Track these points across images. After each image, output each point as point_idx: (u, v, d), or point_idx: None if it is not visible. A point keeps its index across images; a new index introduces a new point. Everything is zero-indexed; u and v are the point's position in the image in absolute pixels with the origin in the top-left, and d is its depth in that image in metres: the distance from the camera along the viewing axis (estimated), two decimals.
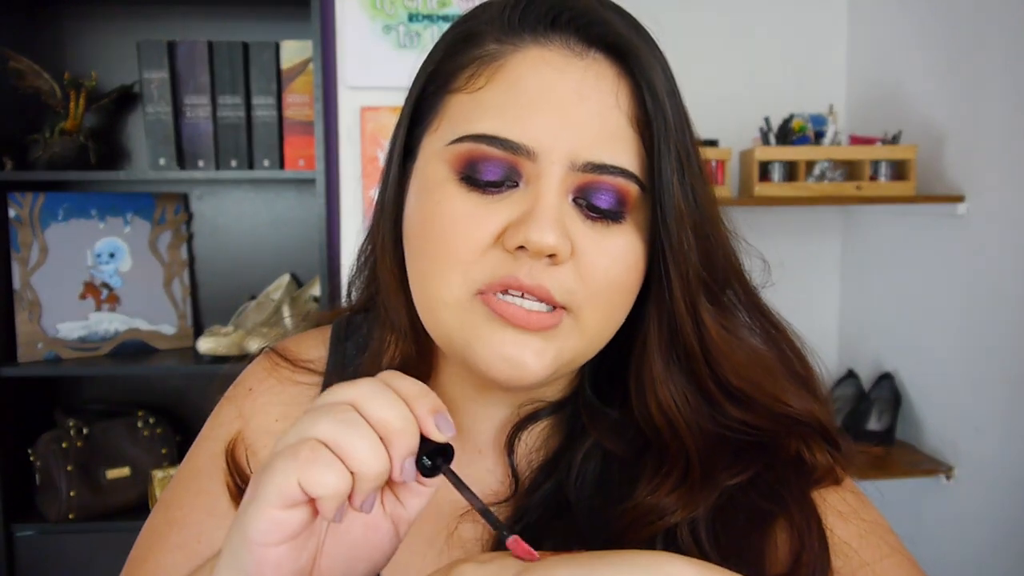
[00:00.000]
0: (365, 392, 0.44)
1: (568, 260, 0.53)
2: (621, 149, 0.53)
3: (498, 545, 0.57)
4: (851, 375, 2.05)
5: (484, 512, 0.45)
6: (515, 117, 0.52)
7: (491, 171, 0.53)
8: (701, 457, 0.56)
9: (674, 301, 0.55)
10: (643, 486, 0.56)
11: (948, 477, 1.77)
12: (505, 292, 0.53)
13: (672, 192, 0.53)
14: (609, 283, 0.54)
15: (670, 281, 0.55)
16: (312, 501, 0.42)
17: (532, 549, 0.40)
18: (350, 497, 0.43)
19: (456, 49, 0.57)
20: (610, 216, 0.54)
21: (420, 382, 0.46)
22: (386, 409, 0.43)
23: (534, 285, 0.52)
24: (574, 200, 0.54)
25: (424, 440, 0.44)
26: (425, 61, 0.59)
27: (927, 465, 1.81)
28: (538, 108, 0.52)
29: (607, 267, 0.54)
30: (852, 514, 0.58)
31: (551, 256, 0.52)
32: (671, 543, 0.54)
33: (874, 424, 1.90)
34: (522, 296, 0.53)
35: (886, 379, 1.96)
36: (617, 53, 0.54)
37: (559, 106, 0.52)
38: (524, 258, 0.52)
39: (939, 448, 1.83)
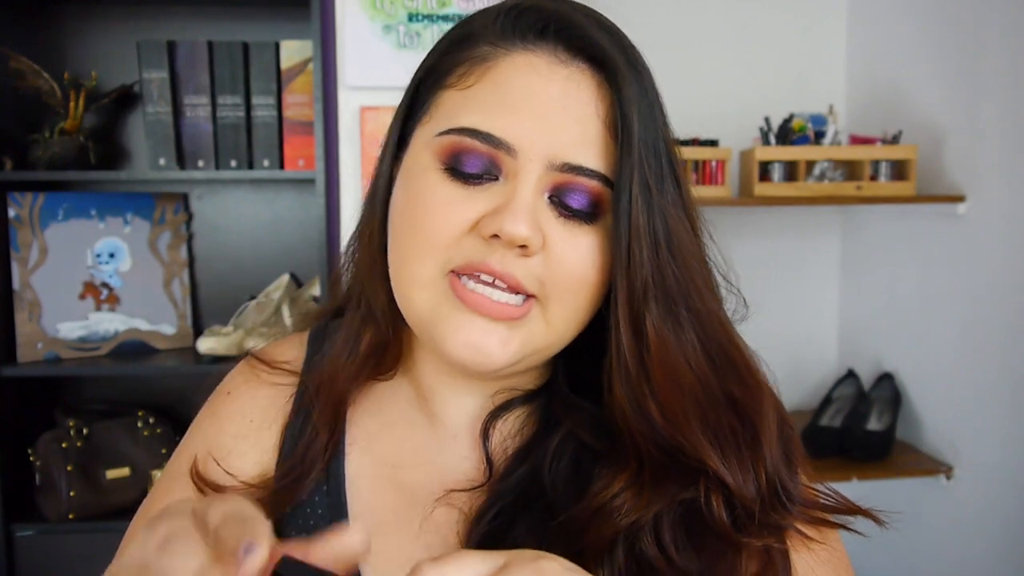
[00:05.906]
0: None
1: (539, 252, 0.55)
2: (597, 154, 0.56)
3: (472, 527, 0.59)
4: (851, 375, 2.05)
5: None
6: (499, 115, 0.56)
7: (473, 163, 0.56)
8: (652, 460, 0.57)
9: (619, 310, 0.56)
10: (598, 480, 0.58)
11: (948, 477, 1.77)
12: (476, 278, 0.55)
13: (629, 202, 0.55)
14: (577, 279, 0.56)
15: (616, 287, 0.56)
16: None
17: None
18: None
19: (452, 49, 0.60)
20: (581, 216, 0.57)
21: (236, 507, 0.41)
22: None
23: (504, 272, 0.55)
24: (549, 198, 0.56)
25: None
26: (424, 58, 0.63)
27: (927, 465, 1.81)
28: (522, 108, 0.55)
29: (574, 262, 0.56)
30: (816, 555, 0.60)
31: (523, 247, 0.54)
32: (633, 547, 0.55)
33: (874, 424, 1.90)
34: (492, 283, 0.55)
35: (886, 379, 1.96)
36: (600, 65, 0.57)
37: (542, 108, 0.55)
38: (497, 246, 0.55)
39: (939, 448, 1.83)
